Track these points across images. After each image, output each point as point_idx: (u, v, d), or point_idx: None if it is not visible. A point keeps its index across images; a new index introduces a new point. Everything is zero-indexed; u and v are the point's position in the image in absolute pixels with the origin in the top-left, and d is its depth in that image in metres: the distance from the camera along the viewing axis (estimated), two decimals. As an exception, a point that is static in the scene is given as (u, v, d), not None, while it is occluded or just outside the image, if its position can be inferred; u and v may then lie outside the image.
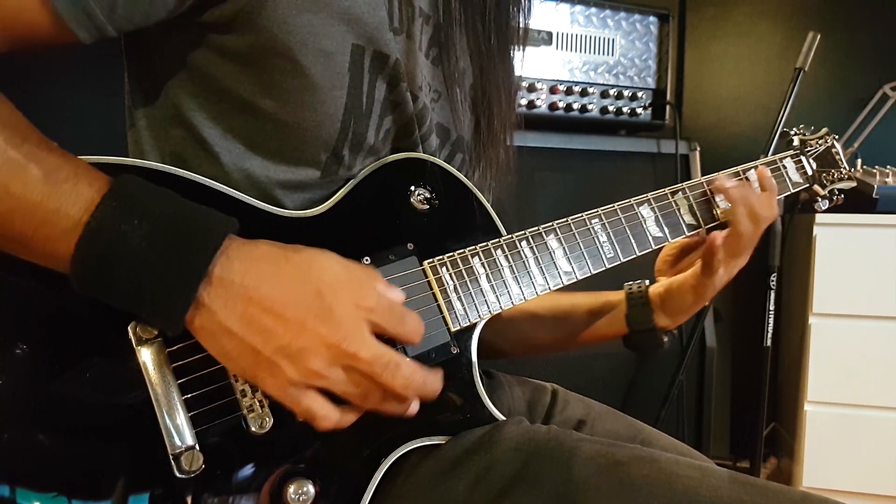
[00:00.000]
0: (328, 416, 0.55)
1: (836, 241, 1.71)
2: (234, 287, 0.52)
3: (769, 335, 1.70)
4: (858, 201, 1.64)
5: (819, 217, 1.71)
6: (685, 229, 0.83)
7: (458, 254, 0.70)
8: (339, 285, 0.54)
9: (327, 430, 0.55)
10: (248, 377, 0.56)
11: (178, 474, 0.55)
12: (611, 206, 0.79)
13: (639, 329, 0.90)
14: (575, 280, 0.76)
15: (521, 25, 0.81)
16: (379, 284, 0.58)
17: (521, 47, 0.83)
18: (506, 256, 0.72)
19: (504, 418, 0.69)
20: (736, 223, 0.81)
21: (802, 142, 0.97)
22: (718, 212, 0.85)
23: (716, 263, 0.83)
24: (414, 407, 0.59)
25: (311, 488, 0.59)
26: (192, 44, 0.63)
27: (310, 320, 0.52)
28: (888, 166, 1.72)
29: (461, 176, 0.75)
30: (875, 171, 1.69)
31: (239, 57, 0.62)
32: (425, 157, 0.74)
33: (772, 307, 1.69)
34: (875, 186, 1.64)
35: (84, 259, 0.49)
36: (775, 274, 1.69)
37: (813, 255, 1.71)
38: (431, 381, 0.58)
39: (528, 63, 1.62)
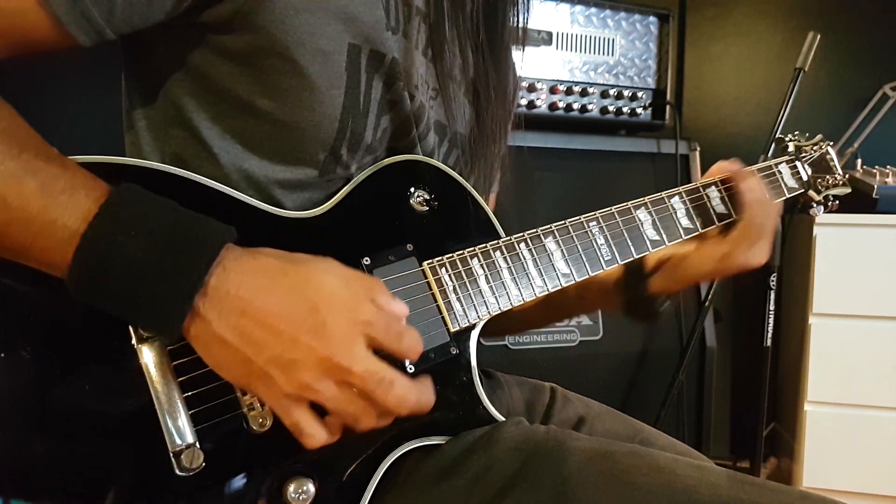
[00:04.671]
0: (315, 434, 0.54)
1: (836, 241, 1.71)
2: (230, 298, 0.52)
3: (769, 335, 1.70)
4: (858, 201, 1.65)
5: (819, 217, 1.71)
6: (682, 233, 0.83)
7: (458, 255, 0.70)
8: (335, 300, 0.54)
9: (313, 448, 0.55)
10: (241, 386, 0.56)
11: (178, 472, 0.55)
12: (608, 209, 0.79)
13: (631, 297, 0.86)
14: (573, 282, 0.76)
15: (519, 25, 0.81)
16: (380, 297, 0.57)
17: (520, 47, 0.83)
18: (505, 258, 0.72)
19: (503, 419, 0.69)
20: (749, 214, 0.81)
21: (797, 148, 0.98)
22: (714, 214, 0.85)
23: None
24: None
25: (311, 487, 0.59)
26: (190, 44, 0.63)
27: (303, 335, 0.52)
28: (888, 166, 1.72)
29: (460, 178, 0.76)
30: (875, 171, 1.69)
31: (237, 57, 0.62)
32: (425, 159, 0.74)
33: (772, 307, 1.69)
34: (875, 186, 1.65)
35: (81, 269, 0.50)
36: (775, 274, 1.69)
37: (813, 255, 1.72)
38: (426, 398, 0.58)
39: (528, 63, 1.63)
